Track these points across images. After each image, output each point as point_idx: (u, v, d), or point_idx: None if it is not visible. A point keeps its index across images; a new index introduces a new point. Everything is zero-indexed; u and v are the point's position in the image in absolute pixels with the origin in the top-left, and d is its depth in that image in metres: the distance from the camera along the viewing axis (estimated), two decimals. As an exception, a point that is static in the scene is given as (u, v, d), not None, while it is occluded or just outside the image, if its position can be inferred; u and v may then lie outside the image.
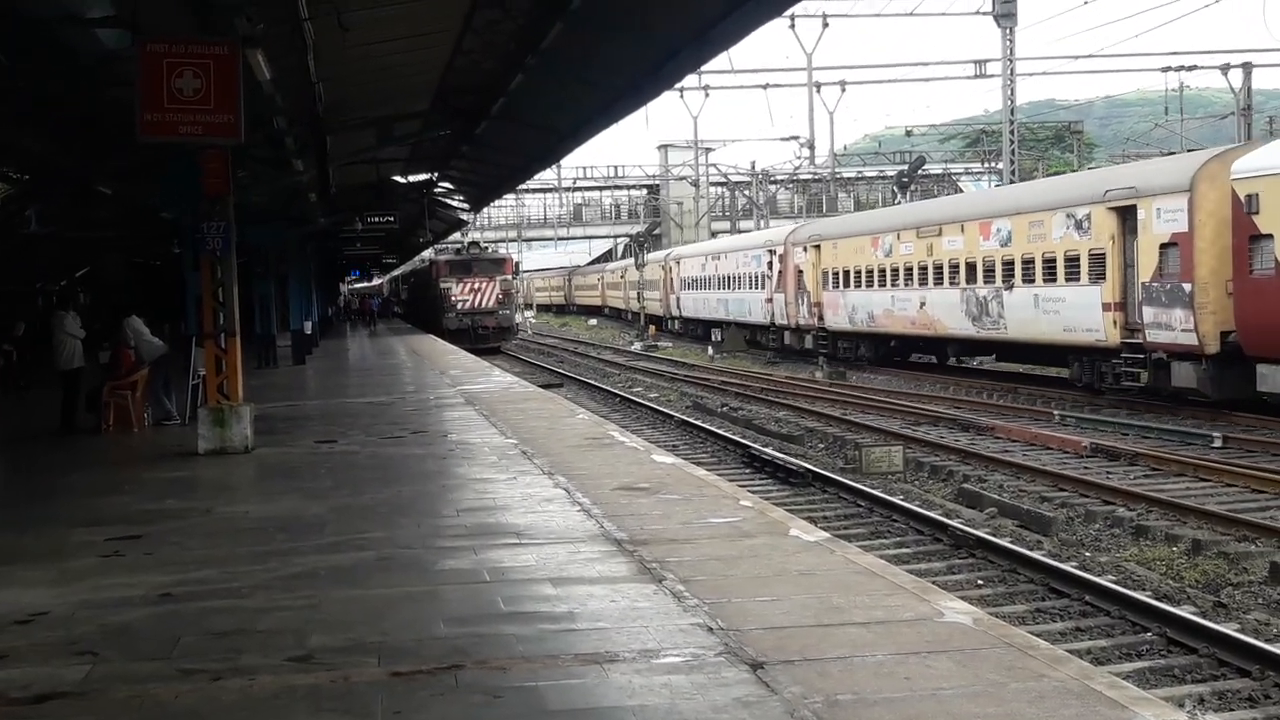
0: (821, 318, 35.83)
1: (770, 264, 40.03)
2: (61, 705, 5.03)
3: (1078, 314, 22.92)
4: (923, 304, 29.40)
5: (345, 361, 32.94)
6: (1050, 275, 23.87)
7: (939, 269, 28.63)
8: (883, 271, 31.69)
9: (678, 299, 53.72)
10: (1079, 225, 22.89)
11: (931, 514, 12.91)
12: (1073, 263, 23.09)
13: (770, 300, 40.16)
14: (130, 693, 5.16)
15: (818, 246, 36.35)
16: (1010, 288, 25.30)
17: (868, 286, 32.64)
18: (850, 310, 33.77)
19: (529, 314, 70.47)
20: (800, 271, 37.36)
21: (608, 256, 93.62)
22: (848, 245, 34.24)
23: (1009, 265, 25.40)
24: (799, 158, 67.29)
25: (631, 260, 63.51)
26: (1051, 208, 24.14)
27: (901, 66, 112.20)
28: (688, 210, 76.04)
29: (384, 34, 16.04)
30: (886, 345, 33.44)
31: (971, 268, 27.03)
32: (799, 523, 8.60)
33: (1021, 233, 24.99)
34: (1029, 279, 24.67)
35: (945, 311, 28.28)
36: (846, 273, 34.01)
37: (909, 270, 30.18)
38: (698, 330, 50.63)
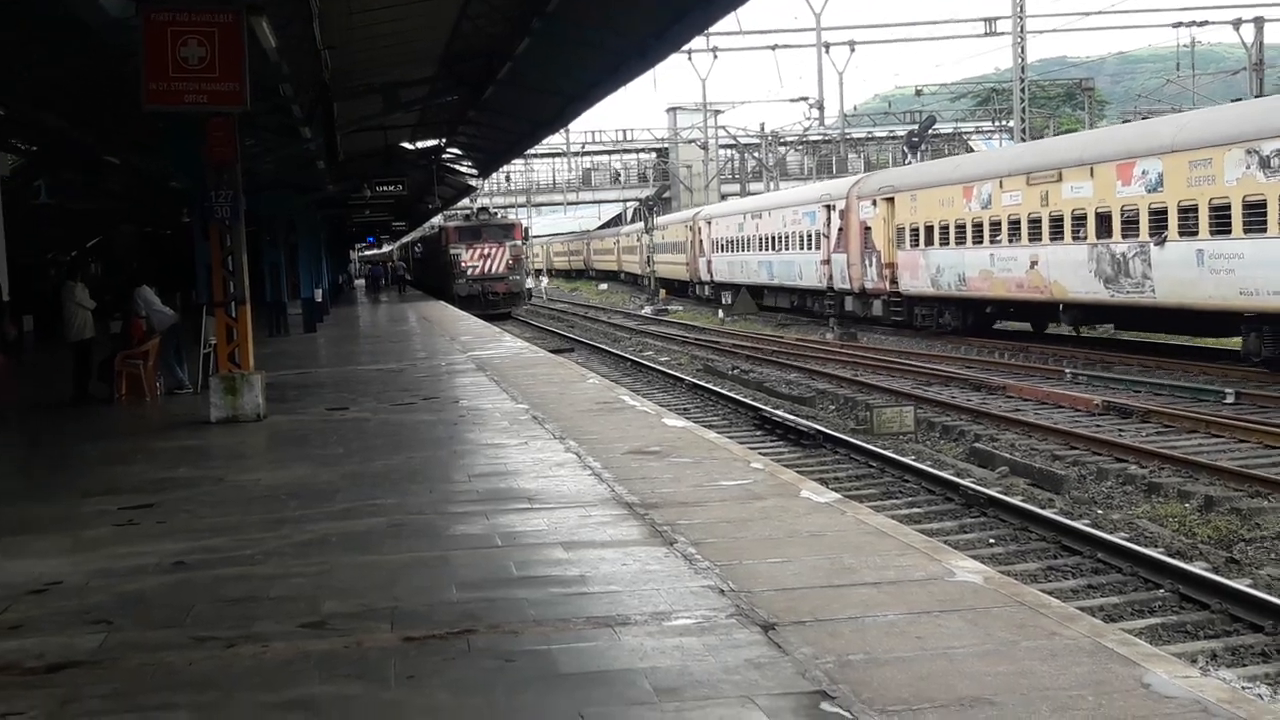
0: (895, 280, 31.53)
1: (828, 221, 35.66)
2: (76, 674, 5.06)
3: (1262, 273, 18.97)
4: (1034, 263, 25.12)
5: (356, 329, 32.97)
6: (1221, 226, 19.78)
7: (1058, 221, 24.27)
8: (979, 226, 27.33)
9: (709, 262, 49.38)
10: (1265, 163, 18.88)
11: (943, 474, 12.92)
12: (1255, 210, 19.07)
13: (827, 262, 35.84)
14: (144, 661, 5.18)
15: (890, 199, 31.80)
16: (1162, 242, 21.11)
17: (958, 244, 28.21)
18: (934, 272, 29.37)
19: (543, 280, 70.00)
20: (867, 228, 32.98)
21: (618, 220, 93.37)
22: (930, 197, 29.72)
23: (1159, 215, 21.22)
24: (808, 119, 66.74)
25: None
26: (1223, 143, 19.95)
27: (911, 25, 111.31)
28: (697, 173, 75.76)
29: (388, -1, 15.97)
30: (980, 311, 29.00)
31: (1104, 219, 22.75)
32: (810, 484, 8.59)
33: (1178, 175, 20.69)
34: (1189, 231, 20.55)
35: (1066, 271, 24.03)
36: (929, 229, 29.58)
37: (1015, 224, 25.83)
38: (733, 297, 46.35)
